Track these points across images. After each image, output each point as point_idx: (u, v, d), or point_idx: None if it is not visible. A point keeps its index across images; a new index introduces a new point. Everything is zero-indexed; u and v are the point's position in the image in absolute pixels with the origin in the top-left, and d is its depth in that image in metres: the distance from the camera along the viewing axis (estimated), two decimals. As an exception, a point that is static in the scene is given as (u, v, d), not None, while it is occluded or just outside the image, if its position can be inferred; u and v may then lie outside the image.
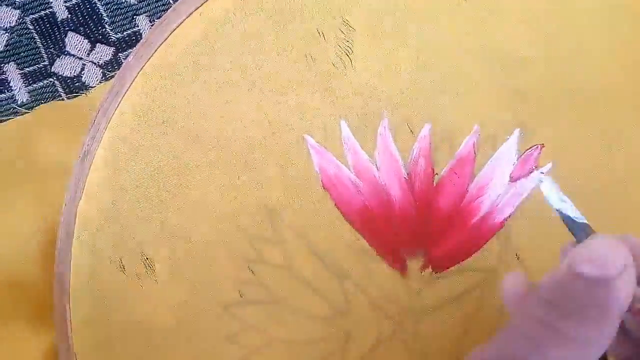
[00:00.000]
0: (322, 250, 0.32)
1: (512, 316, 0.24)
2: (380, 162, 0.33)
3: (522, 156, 0.32)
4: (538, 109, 0.33)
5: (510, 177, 0.32)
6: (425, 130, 0.32)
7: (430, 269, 0.33)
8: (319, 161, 0.33)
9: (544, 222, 0.32)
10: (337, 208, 0.33)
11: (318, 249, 0.32)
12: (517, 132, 0.32)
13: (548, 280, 0.24)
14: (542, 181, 0.27)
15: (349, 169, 0.33)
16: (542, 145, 0.32)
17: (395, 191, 0.33)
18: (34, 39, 0.36)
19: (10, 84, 0.36)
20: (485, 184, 0.33)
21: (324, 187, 0.33)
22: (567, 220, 0.26)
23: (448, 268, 0.33)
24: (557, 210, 0.26)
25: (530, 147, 0.32)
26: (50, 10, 0.36)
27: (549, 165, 0.32)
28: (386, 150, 0.33)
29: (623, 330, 0.25)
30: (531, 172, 0.32)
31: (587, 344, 0.23)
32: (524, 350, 0.23)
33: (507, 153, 0.32)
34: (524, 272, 0.25)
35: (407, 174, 0.33)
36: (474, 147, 0.32)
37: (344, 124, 0.33)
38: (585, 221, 0.26)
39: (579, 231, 0.26)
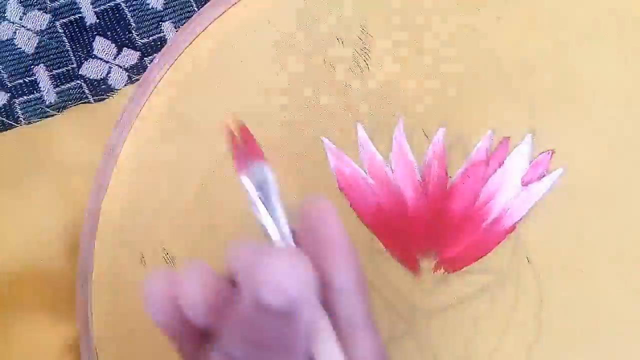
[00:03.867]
0: (337, 250, 0.33)
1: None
2: (395, 164, 0.34)
3: (534, 161, 0.33)
4: (550, 115, 0.33)
5: (521, 181, 0.33)
6: (439, 135, 0.33)
7: (442, 270, 0.33)
8: (335, 163, 0.34)
9: (554, 225, 0.33)
10: (352, 209, 0.33)
11: (333, 248, 0.33)
12: (529, 137, 0.33)
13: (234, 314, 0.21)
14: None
15: (364, 171, 0.34)
16: (553, 151, 0.33)
17: (409, 193, 0.33)
18: (63, 42, 0.38)
19: (40, 85, 0.38)
20: (497, 187, 0.33)
21: (339, 188, 0.33)
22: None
23: (460, 269, 0.33)
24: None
25: (541, 153, 0.33)
26: (80, 15, 0.38)
27: (560, 171, 0.33)
28: (401, 153, 0.33)
29: None
30: (542, 177, 0.33)
31: None
32: None
33: (519, 158, 0.33)
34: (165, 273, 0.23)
35: (421, 177, 0.33)
36: (486, 151, 0.33)
37: (360, 127, 0.34)
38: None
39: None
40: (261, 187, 0.24)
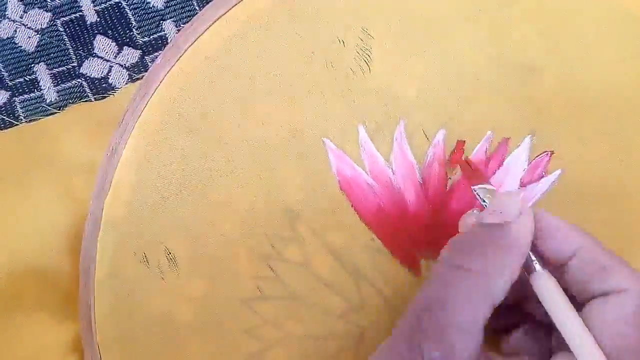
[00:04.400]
0: (338, 250, 0.34)
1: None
2: (395, 166, 0.34)
3: (533, 162, 0.34)
4: (549, 117, 0.34)
5: (520, 182, 0.34)
6: (439, 136, 0.34)
7: (442, 270, 0.34)
8: (337, 164, 0.34)
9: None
10: (353, 209, 0.34)
11: (335, 248, 0.34)
12: (528, 138, 0.34)
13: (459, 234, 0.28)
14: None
15: (366, 172, 0.34)
16: (552, 152, 0.34)
17: (410, 194, 0.34)
18: (64, 40, 0.38)
19: (40, 84, 0.38)
20: (496, 188, 0.34)
21: (341, 188, 0.34)
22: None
23: (459, 269, 0.34)
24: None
25: (540, 154, 0.34)
26: (81, 13, 0.38)
27: (558, 172, 0.34)
28: (402, 155, 0.34)
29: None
30: (541, 178, 0.34)
31: (487, 275, 0.26)
32: (434, 292, 0.26)
33: (518, 159, 0.34)
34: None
35: (422, 178, 0.34)
36: (486, 152, 0.34)
37: (361, 128, 0.34)
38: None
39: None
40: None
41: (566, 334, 0.26)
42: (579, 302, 0.27)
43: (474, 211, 0.29)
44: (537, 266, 0.28)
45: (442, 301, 0.26)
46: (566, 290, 0.27)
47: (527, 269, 0.28)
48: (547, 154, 0.34)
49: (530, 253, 0.28)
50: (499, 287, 0.26)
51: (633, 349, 0.26)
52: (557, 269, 0.28)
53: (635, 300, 0.26)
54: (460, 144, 0.33)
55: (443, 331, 0.25)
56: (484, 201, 0.29)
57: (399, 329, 0.27)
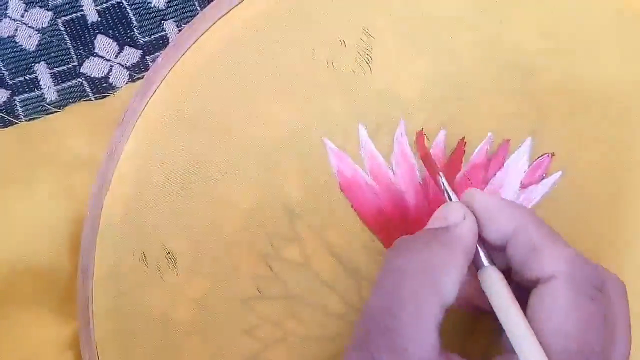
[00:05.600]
0: (338, 250, 0.34)
1: None
2: (396, 166, 0.34)
3: (533, 164, 0.34)
4: (550, 118, 0.34)
5: (521, 183, 0.34)
6: (440, 136, 0.34)
7: (442, 271, 0.34)
8: (337, 164, 0.34)
9: (553, 227, 0.33)
10: (354, 210, 0.34)
11: (335, 248, 0.34)
12: (529, 140, 0.34)
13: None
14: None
15: (366, 173, 0.34)
16: (553, 154, 0.34)
17: (410, 195, 0.34)
18: (65, 40, 0.38)
19: (40, 83, 0.38)
20: (497, 190, 0.34)
21: (341, 189, 0.34)
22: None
23: (459, 270, 0.34)
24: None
25: (541, 155, 0.34)
26: (82, 13, 0.38)
27: (559, 174, 0.34)
28: (402, 155, 0.34)
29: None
30: (541, 180, 0.34)
31: (431, 274, 0.26)
32: (380, 299, 0.26)
33: (519, 160, 0.34)
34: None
35: (422, 179, 0.34)
36: (487, 153, 0.34)
37: (362, 129, 0.34)
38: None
39: None
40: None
41: (508, 334, 0.25)
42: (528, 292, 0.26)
43: None
44: (485, 261, 0.27)
45: (389, 306, 0.25)
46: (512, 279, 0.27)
47: (476, 264, 0.27)
48: (547, 156, 0.34)
49: (479, 247, 0.27)
50: (446, 286, 0.25)
51: (579, 349, 0.24)
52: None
53: (565, 287, 0.25)
54: (421, 135, 0.33)
55: (391, 337, 0.24)
56: (448, 193, 0.30)
57: (350, 341, 0.26)
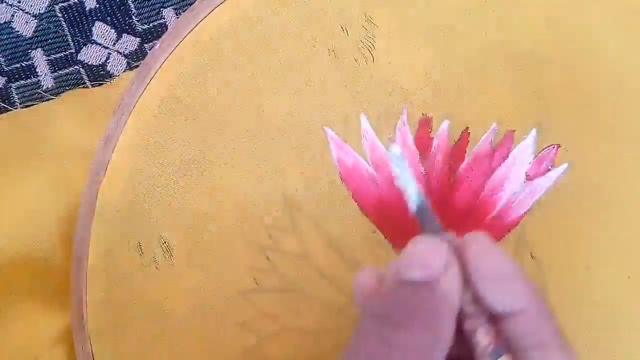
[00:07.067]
0: (337, 241, 0.33)
1: (360, 316, 0.24)
2: (398, 156, 0.33)
3: (538, 155, 0.33)
4: (555, 109, 0.33)
5: (526, 175, 0.33)
6: (443, 126, 0.33)
7: (444, 264, 0.33)
8: (338, 153, 0.33)
9: (558, 221, 0.32)
10: (354, 200, 0.33)
11: (334, 239, 0.33)
12: (534, 131, 0.33)
13: (378, 296, 0.23)
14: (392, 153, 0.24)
15: (367, 162, 0.33)
16: (559, 146, 0.33)
17: (412, 186, 0.33)
18: (62, 26, 0.37)
19: (37, 70, 0.37)
20: (501, 182, 0.33)
21: (341, 178, 0.33)
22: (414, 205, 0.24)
23: (462, 263, 0.33)
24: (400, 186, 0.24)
25: (546, 147, 0.33)
26: (80, -1, 0.37)
27: (565, 165, 0.33)
28: (404, 145, 0.33)
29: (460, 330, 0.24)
30: (547, 171, 0.33)
31: (425, 352, 0.22)
32: None
33: (524, 152, 0.33)
34: (374, 268, 0.24)
35: (424, 169, 0.33)
36: (491, 144, 0.33)
37: (363, 118, 0.33)
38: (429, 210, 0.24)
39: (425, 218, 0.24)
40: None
41: None
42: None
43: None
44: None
45: None
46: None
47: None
48: (553, 147, 0.33)
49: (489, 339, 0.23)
50: (436, 358, 0.22)
51: None
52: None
53: None
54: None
55: None
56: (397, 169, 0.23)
57: None
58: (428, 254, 0.23)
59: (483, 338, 0.23)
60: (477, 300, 0.23)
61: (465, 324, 0.23)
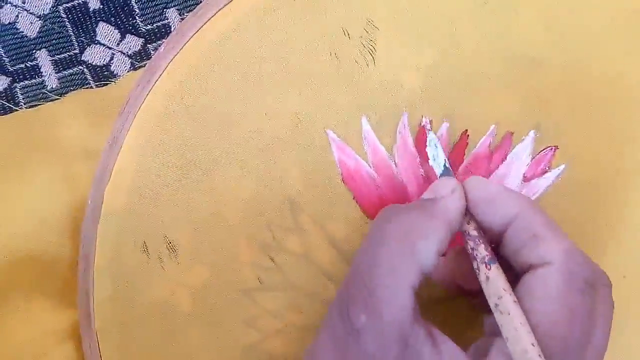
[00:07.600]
0: (339, 241, 0.33)
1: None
2: (398, 158, 0.34)
3: (536, 156, 0.34)
4: (553, 111, 0.34)
5: (523, 176, 0.34)
6: (443, 129, 0.34)
7: (443, 263, 0.34)
8: (339, 155, 0.34)
9: (556, 221, 0.33)
10: (355, 201, 0.34)
11: (336, 239, 0.33)
12: (532, 133, 0.34)
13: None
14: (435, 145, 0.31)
15: (368, 164, 0.34)
16: (556, 147, 0.34)
17: (412, 187, 0.34)
18: (66, 27, 0.38)
19: (41, 70, 0.38)
20: (499, 182, 0.34)
21: (343, 180, 0.34)
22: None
23: (461, 263, 0.34)
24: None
25: (544, 148, 0.34)
26: (84, 0, 0.38)
27: (563, 167, 0.34)
28: (405, 147, 0.34)
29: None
30: (544, 173, 0.34)
31: (410, 237, 0.26)
32: (361, 259, 0.27)
33: (522, 153, 0.34)
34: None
35: (424, 171, 0.34)
36: (489, 146, 0.34)
37: (364, 120, 0.34)
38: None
39: None
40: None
41: (499, 318, 0.25)
42: (519, 275, 0.27)
43: None
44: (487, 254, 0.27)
45: (367, 266, 0.26)
46: (507, 262, 0.27)
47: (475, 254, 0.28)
48: (551, 149, 0.34)
49: (482, 240, 0.27)
50: (422, 252, 0.26)
51: (561, 335, 0.25)
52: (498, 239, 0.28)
53: (558, 275, 0.25)
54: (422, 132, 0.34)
55: (368, 295, 0.25)
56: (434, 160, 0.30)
57: (334, 299, 0.27)
58: (439, 184, 0.28)
59: (482, 251, 0.27)
60: (480, 227, 0.28)
61: (469, 244, 0.27)
